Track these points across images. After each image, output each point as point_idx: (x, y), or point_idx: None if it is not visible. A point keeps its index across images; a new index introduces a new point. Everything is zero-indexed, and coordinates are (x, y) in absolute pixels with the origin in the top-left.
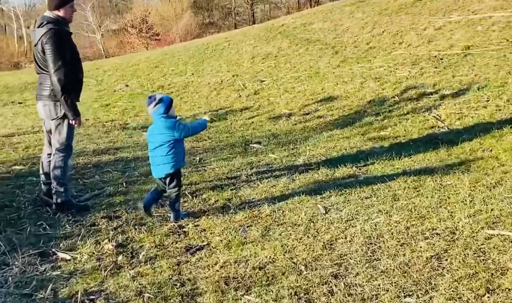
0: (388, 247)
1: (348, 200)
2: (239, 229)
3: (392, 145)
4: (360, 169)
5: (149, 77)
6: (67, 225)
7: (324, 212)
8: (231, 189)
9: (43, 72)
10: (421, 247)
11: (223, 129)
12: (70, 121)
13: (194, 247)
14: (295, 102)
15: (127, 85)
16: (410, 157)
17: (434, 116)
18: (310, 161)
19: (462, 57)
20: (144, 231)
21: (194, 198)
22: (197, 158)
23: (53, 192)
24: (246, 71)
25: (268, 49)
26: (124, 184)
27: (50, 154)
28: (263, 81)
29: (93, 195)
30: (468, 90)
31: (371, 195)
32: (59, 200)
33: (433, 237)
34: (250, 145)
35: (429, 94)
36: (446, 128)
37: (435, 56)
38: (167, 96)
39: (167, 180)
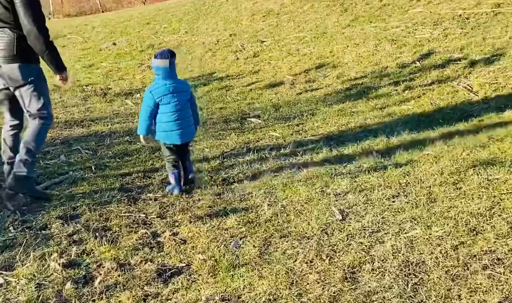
0: (434, 282)
1: (370, 200)
2: (230, 241)
3: (418, 123)
4: (381, 154)
5: (139, 35)
6: (11, 228)
7: (341, 217)
8: (222, 180)
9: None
10: (481, 283)
11: (216, 98)
12: (57, 78)
13: (169, 270)
14: (300, 67)
15: (114, 44)
16: (442, 139)
17: (464, 87)
18: (319, 142)
19: (492, 17)
20: (106, 242)
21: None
22: None
23: (17, 160)
24: (244, 30)
25: (270, 5)
26: (92, 168)
27: (14, 125)
28: (264, 41)
29: (52, 183)
30: (503, 55)
31: (398, 193)
32: (19, 173)
33: (494, 266)
34: (248, 119)
35: (456, 59)
36: (481, 101)
37: (460, 15)
38: None
39: (188, 144)
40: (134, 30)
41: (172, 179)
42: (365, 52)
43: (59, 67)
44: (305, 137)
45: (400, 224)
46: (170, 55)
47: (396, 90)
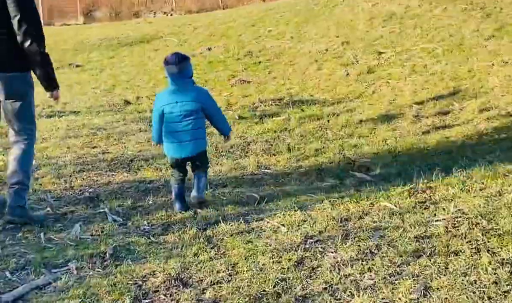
0: None
1: None
2: None
3: None
4: None
5: (239, 39)
6: None
7: None
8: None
9: None
10: None
11: (313, 130)
12: (48, 96)
13: None
14: (428, 91)
15: (209, 49)
16: None
17: None
18: (459, 229)
19: None
20: None
21: None
22: (257, 196)
23: (14, 189)
24: (360, 37)
25: (392, 7)
26: (107, 256)
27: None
28: (382, 53)
29: (32, 288)
30: None
31: None
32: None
33: None
34: (351, 172)
35: None
36: None
37: None
38: None
39: (195, 160)
40: (235, 33)
41: (172, 194)
42: None
43: (54, 83)
44: (434, 214)
45: None
46: (178, 60)
47: None
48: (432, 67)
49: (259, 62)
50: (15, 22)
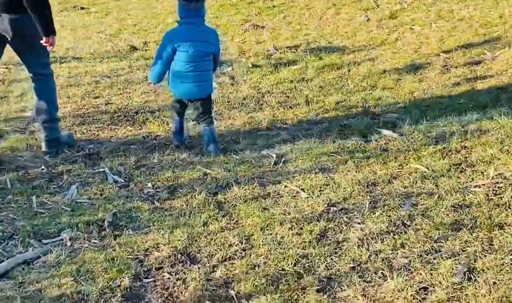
0: None
1: None
2: None
3: None
4: None
5: None
6: None
7: None
8: (319, 285)
9: None
10: None
11: (333, 82)
12: (44, 41)
13: None
14: (456, 38)
15: None
16: None
17: None
18: (501, 197)
19: None
20: None
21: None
22: (273, 155)
23: (46, 126)
24: None
25: None
26: (105, 225)
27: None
28: None
29: (19, 263)
30: None
31: None
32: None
33: None
34: (377, 128)
35: None
36: None
37: None
38: None
39: (203, 102)
40: None
41: (172, 126)
42: None
43: (52, 28)
44: (471, 179)
45: None
46: None
47: None
48: (460, 12)
49: (273, 6)
50: None
